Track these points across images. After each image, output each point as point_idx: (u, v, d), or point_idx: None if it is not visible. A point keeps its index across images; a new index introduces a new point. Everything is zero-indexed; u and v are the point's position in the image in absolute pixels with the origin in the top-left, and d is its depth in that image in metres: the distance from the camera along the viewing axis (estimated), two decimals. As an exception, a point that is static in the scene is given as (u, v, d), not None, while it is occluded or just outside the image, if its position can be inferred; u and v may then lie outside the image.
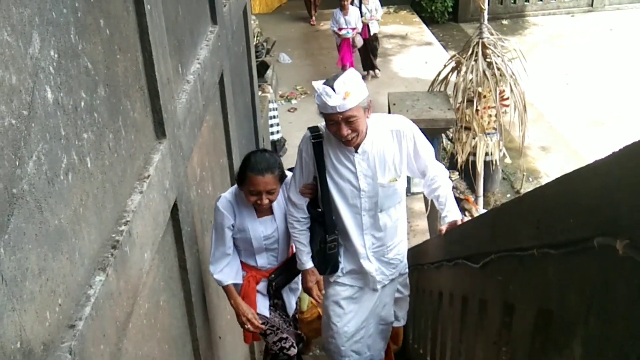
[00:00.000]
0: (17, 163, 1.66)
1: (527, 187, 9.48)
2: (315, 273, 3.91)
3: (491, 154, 8.65)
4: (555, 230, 1.64)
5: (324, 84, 3.29)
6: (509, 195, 9.54)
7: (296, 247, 3.88)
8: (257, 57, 8.99)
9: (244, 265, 3.99)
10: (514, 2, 15.29)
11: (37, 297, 1.76)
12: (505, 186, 9.87)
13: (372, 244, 3.80)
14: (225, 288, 3.89)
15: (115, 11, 2.59)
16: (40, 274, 1.78)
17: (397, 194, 3.70)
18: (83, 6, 2.20)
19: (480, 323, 2.61)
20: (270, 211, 3.87)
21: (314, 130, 3.60)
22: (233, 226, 3.79)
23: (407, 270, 4.15)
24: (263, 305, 4.07)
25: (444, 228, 3.49)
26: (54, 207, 1.89)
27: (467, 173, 8.80)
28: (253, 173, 3.53)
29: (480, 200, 9.00)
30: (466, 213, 8.48)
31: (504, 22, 15.24)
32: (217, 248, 3.80)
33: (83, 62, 2.19)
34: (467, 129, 8.54)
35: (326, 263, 3.85)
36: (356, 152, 3.50)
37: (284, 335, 4.24)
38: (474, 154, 8.58)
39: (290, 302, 4.28)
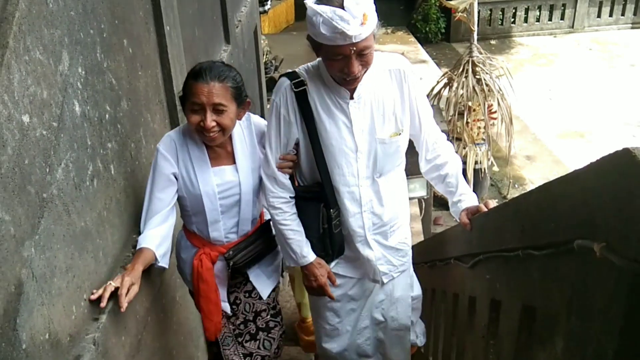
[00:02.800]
0: (47, 170, 1.66)
1: (513, 193, 9.45)
2: (323, 264, 2.57)
3: (480, 163, 8.63)
4: (538, 233, 1.63)
5: (325, 3, 2.10)
6: (496, 201, 9.50)
7: (287, 239, 2.51)
8: (266, 73, 9.00)
9: (193, 237, 2.60)
10: (501, 24, 15.28)
11: (65, 293, 1.76)
12: (493, 192, 9.84)
13: (373, 223, 2.57)
14: (137, 251, 2.31)
15: (137, 32, 2.61)
16: (68, 271, 1.79)
17: (398, 153, 2.52)
18: (108, 27, 2.22)
19: (470, 318, 2.60)
20: (230, 158, 2.50)
21: (292, 76, 2.39)
22: (176, 176, 2.43)
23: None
24: (222, 298, 2.68)
25: (464, 218, 2.47)
26: (80, 210, 1.89)
27: (458, 180, 8.78)
28: (195, 80, 2.28)
29: (470, 205, 8.98)
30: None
31: (492, 42, 15.22)
32: (151, 204, 2.40)
33: (108, 78, 2.20)
34: (458, 139, 8.53)
35: (333, 246, 2.57)
36: (351, 98, 2.36)
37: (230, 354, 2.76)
38: (465, 163, 8.55)
39: (265, 286, 2.77)
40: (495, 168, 9.42)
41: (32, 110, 1.57)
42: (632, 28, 15.08)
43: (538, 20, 15.16)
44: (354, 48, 2.13)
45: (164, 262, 2.36)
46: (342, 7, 2.05)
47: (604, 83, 12.48)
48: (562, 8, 15.07)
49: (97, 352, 1.86)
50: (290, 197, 2.48)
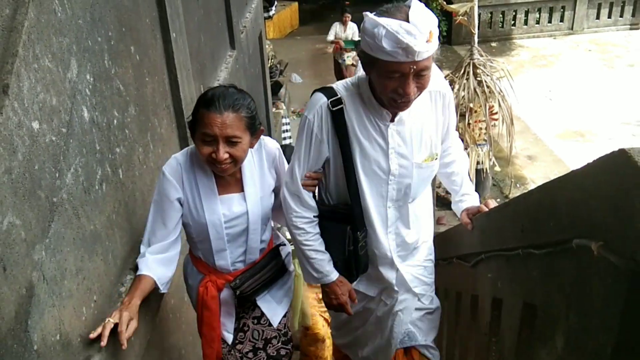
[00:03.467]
0: (57, 175, 1.67)
1: (515, 193, 9.42)
2: (345, 282, 2.42)
3: (482, 163, 8.61)
4: (538, 232, 1.63)
5: (388, 16, 1.93)
6: (498, 200, 9.49)
7: (309, 260, 2.37)
8: (271, 77, 9.01)
9: (198, 263, 2.46)
10: (502, 27, 15.25)
11: (75, 294, 1.77)
12: (495, 192, 9.81)
13: (397, 245, 2.41)
14: (135, 279, 2.17)
15: (144, 39, 2.61)
16: (78, 273, 1.79)
17: (431, 177, 2.40)
18: (116, 35, 2.22)
19: (473, 316, 2.60)
20: (238, 185, 2.33)
21: (329, 93, 2.20)
22: (181, 203, 2.26)
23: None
24: (226, 329, 2.53)
25: (465, 218, 2.47)
26: (89, 213, 1.90)
27: (460, 180, 8.78)
28: (207, 109, 2.09)
29: (473, 204, 8.97)
30: (460, 216, 8.43)
31: (493, 44, 15.19)
32: (154, 230, 2.24)
33: (116, 85, 2.21)
34: (460, 140, 8.52)
35: (358, 268, 2.42)
36: (391, 120, 2.19)
37: None
38: (467, 163, 8.57)
39: (275, 313, 2.60)
40: (497, 168, 9.40)
41: (41, 117, 1.58)
42: (630, 29, 15.03)
43: (538, 22, 15.12)
44: (414, 67, 1.93)
45: (165, 289, 2.23)
46: (408, 21, 1.88)
47: (603, 83, 12.44)
48: (562, 10, 15.03)
49: (107, 353, 1.86)
50: (314, 216, 2.34)
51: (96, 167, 1.98)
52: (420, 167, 2.27)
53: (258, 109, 2.33)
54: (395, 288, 2.47)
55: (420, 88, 2.02)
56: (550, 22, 15.13)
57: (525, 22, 15.21)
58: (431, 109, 2.26)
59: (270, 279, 2.50)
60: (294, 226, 2.33)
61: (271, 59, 10.56)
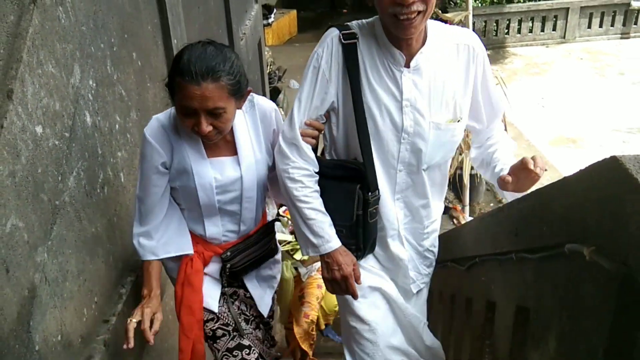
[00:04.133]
0: (60, 178, 1.67)
1: (508, 196, 9.44)
2: (349, 253, 2.01)
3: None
4: (531, 237, 1.63)
5: None
6: (492, 205, 9.50)
7: (307, 220, 1.96)
8: (270, 83, 9.02)
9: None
10: (496, 35, 15.28)
11: (76, 296, 1.76)
12: (488, 196, 9.82)
13: (405, 216, 2.11)
14: (145, 265, 2.07)
15: (146, 45, 2.62)
16: (79, 275, 1.79)
17: (452, 144, 2.05)
18: (118, 41, 2.22)
19: (467, 318, 2.60)
20: (230, 149, 2.07)
21: (343, 27, 1.92)
22: (167, 167, 2.01)
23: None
24: (210, 295, 2.21)
25: (505, 176, 1.95)
26: (91, 216, 1.90)
27: (454, 185, 8.77)
28: (182, 78, 1.79)
29: (467, 209, 8.95)
30: (454, 220, 8.45)
31: (487, 52, 15.22)
32: (144, 200, 2.03)
33: (118, 90, 2.21)
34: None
35: (366, 239, 2.04)
36: (406, 66, 1.88)
37: (245, 342, 2.28)
38: (461, 168, 8.54)
39: (262, 297, 2.35)
40: (491, 173, 9.41)
41: (45, 122, 1.58)
42: (621, 38, 15.08)
43: (531, 31, 15.16)
44: None
45: (175, 252, 2.12)
46: None
47: (594, 91, 12.47)
48: (554, 19, 15.07)
49: (108, 353, 1.86)
50: (315, 169, 1.96)
51: (98, 170, 1.98)
52: (439, 128, 1.93)
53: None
54: (410, 271, 2.18)
55: (425, 0, 1.70)
56: (543, 31, 15.17)
57: (519, 31, 15.26)
58: (457, 63, 1.94)
59: (262, 256, 2.27)
60: (290, 178, 1.92)
61: (270, 65, 10.58)
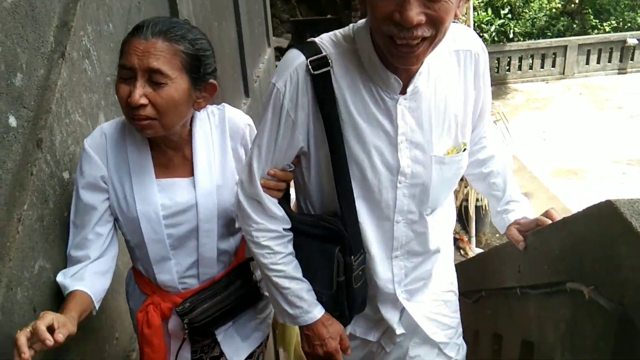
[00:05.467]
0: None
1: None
2: (334, 322, 1.58)
3: (481, 200, 8.61)
4: (533, 274, 1.64)
5: None
6: (497, 235, 9.43)
7: (280, 290, 1.54)
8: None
9: (140, 279, 1.70)
10: (497, 72, 15.40)
11: (98, 332, 1.78)
12: (494, 227, 9.78)
13: (405, 275, 1.60)
14: (67, 296, 1.46)
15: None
16: (101, 312, 1.80)
17: (457, 178, 1.58)
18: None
19: (474, 350, 2.58)
20: (188, 168, 1.59)
21: (309, 50, 1.39)
22: (106, 183, 1.55)
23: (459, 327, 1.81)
24: (181, 355, 1.74)
25: (515, 234, 1.68)
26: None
27: (460, 217, 8.75)
28: (131, 35, 1.41)
29: (473, 239, 8.91)
30: (461, 251, 8.40)
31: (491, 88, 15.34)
32: (77, 226, 1.54)
33: (139, 135, 2.25)
34: (460, 179, 8.54)
35: (351, 306, 1.58)
36: (402, 92, 1.39)
37: None
38: (467, 200, 8.54)
39: (237, 353, 1.79)
40: (495, 205, 9.38)
41: (71, 167, 1.61)
42: (618, 73, 15.13)
43: (531, 67, 15.26)
44: None
45: (97, 308, 1.53)
46: None
47: (594, 124, 12.47)
48: (553, 56, 15.16)
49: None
50: (285, 230, 1.51)
51: (120, 211, 2.01)
52: (442, 162, 1.47)
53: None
54: (397, 331, 1.65)
55: (434, 22, 1.21)
56: (542, 67, 15.26)
57: (519, 68, 15.36)
58: (459, 76, 1.47)
59: (235, 306, 1.70)
60: (255, 243, 1.51)
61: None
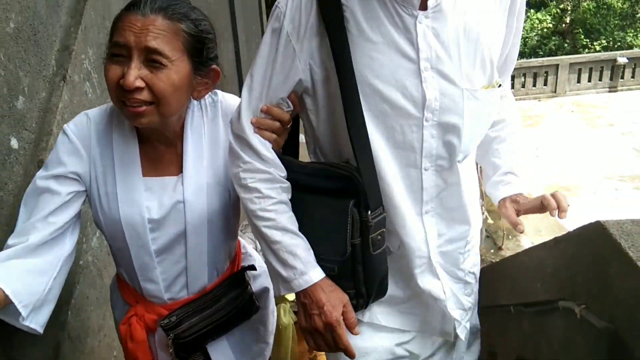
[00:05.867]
0: (84, 240, 1.70)
1: (507, 244, 9.39)
2: (336, 288, 1.25)
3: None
4: (526, 292, 1.65)
5: None
6: (492, 250, 9.45)
7: (271, 245, 1.24)
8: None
9: (124, 288, 1.49)
10: (491, 90, 15.53)
11: (96, 351, 1.77)
12: (489, 243, 9.78)
13: (439, 235, 1.34)
14: None
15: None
16: (99, 330, 1.80)
17: (489, 119, 1.35)
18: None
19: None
20: (179, 165, 1.37)
21: None
22: (79, 178, 1.31)
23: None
24: None
25: (510, 212, 1.43)
26: (112, 273, 1.92)
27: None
28: (126, 10, 1.22)
29: (468, 255, 8.96)
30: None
31: (483, 106, 15.43)
32: (27, 211, 1.26)
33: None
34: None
35: (369, 281, 1.27)
36: (422, 8, 1.16)
37: None
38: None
39: None
40: (490, 221, 9.40)
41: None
42: (609, 92, 15.27)
43: (523, 86, 15.39)
44: None
45: (28, 317, 1.21)
46: None
47: (586, 141, 12.56)
48: (545, 75, 15.31)
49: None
50: (280, 176, 1.25)
51: (119, 230, 2.01)
52: (476, 96, 1.22)
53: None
54: (451, 310, 1.37)
55: None
56: (534, 85, 15.40)
57: (512, 86, 15.48)
58: (493, 6, 1.24)
59: (227, 320, 1.49)
60: (242, 186, 1.25)
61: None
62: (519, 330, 1.81)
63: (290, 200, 1.27)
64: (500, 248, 9.49)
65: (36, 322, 1.23)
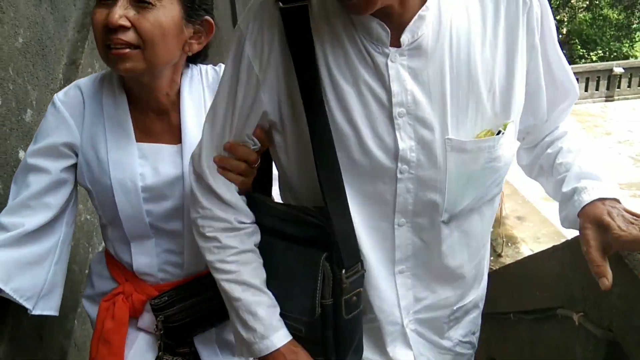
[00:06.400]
0: (90, 249, 1.71)
1: (506, 251, 9.38)
2: (302, 353, 1.06)
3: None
4: (525, 300, 1.65)
5: None
6: (492, 258, 9.44)
7: (231, 302, 1.07)
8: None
9: (112, 264, 1.36)
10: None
11: (102, 359, 1.77)
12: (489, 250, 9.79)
13: (417, 299, 1.12)
14: None
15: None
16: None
17: (495, 173, 1.05)
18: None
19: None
20: (174, 135, 1.26)
21: None
22: (73, 152, 1.23)
23: None
24: None
25: (591, 239, 0.96)
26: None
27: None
28: None
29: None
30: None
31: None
32: (18, 188, 1.20)
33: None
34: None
35: (342, 345, 1.06)
36: (395, 45, 0.96)
37: None
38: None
39: None
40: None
41: (82, 200, 1.63)
42: (605, 101, 15.30)
43: (521, 95, 15.46)
44: None
45: (44, 309, 1.22)
46: None
47: (583, 150, 12.60)
48: (543, 85, 15.38)
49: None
50: (243, 222, 1.09)
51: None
52: (463, 148, 1.00)
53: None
54: None
55: None
56: (532, 95, 15.47)
57: (510, 96, 15.56)
58: (492, 25, 1.00)
59: (218, 310, 1.24)
60: (200, 235, 1.10)
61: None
62: (518, 337, 1.81)
63: (260, 244, 1.11)
64: (499, 255, 9.47)
65: (49, 308, 1.22)
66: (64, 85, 1.63)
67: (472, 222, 1.09)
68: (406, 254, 1.08)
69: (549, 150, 1.17)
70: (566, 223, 1.08)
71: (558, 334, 1.41)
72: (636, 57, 16.30)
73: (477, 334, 1.27)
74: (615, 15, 17.76)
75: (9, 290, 1.13)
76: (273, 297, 1.08)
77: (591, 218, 0.97)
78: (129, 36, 1.09)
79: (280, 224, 1.09)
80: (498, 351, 2.10)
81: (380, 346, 1.13)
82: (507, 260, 8.77)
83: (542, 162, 1.20)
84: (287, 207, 1.09)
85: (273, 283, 1.09)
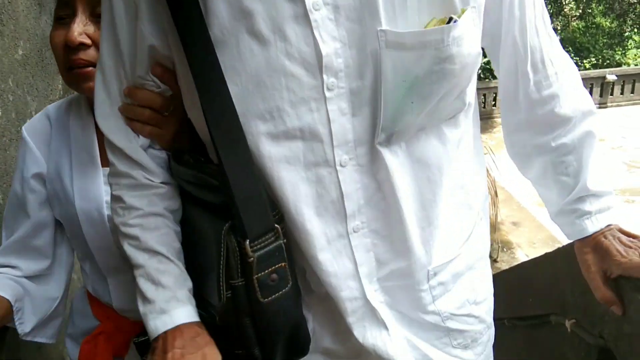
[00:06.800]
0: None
1: (502, 256, 9.37)
2: (204, 342, 0.80)
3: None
4: (519, 306, 1.65)
5: None
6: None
7: (135, 272, 0.85)
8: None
9: (93, 301, 1.22)
10: (484, 107, 15.57)
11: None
12: (484, 256, 9.78)
13: (379, 262, 0.84)
14: None
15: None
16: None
17: (451, 76, 0.73)
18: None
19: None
20: None
21: None
22: (40, 178, 1.14)
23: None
24: None
25: (593, 266, 0.92)
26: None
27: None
28: None
29: (464, 268, 8.93)
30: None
31: (477, 122, 15.48)
32: (7, 227, 1.17)
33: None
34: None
35: (267, 337, 0.82)
36: None
37: None
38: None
39: None
40: (485, 234, 9.39)
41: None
42: (599, 107, 15.34)
43: (516, 102, 15.49)
44: None
45: (35, 334, 1.19)
46: None
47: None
48: (537, 92, 15.41)
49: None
50: (152, 180, 0.89)
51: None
52: (401, 43, 0.72)
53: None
54: None
55: None
56: (527, 102, 15.50)
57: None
58: None
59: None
60: (111, 197, 0.93)
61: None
62: (513, 343, 1.81)
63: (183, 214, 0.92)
64: (495, 260, 9.46)
65: (45, 335, 1.21)
66: (64, 96, 1.64)
67: (428, 147, 0.82)
68: (358, 204, 0.81)
69: (552, 143, 0.97)
70: (565, 229, 1.00)
71: (551, 341, 1.42)
72: (629, 65, 16.37)
73: (488, 305, 1.02)
74: (607, 23, 17.85)
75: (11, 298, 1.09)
76: (185, 270, 0.87)
77: (589, 241, 0.93)
78: (90, 54, 1.01)
79: (189, 187, 0.88)
80: (493, 357, 2.10)
81: (343, 331, 0.87)
82: (502, 265, 8.77)
83: (534, 152, 1.01)
84: (188, 166, 0.87)
85: (192, 261, 0.88)
